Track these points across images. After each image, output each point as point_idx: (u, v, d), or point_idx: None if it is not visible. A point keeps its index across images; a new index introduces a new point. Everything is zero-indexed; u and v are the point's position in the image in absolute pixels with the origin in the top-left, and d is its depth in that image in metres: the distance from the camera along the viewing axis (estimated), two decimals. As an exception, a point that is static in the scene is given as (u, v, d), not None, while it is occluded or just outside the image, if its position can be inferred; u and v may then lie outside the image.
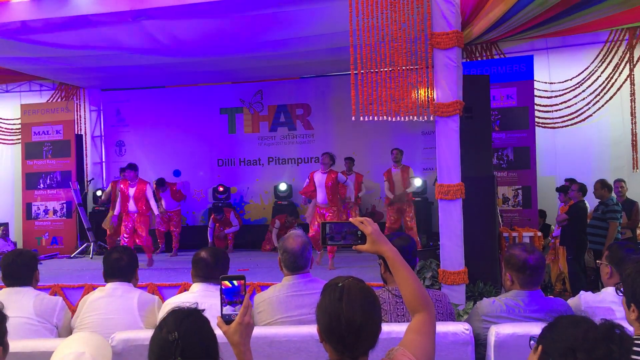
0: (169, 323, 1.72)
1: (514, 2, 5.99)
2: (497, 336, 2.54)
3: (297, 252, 2.92)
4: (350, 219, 1.93)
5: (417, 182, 9.38)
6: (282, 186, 10.55)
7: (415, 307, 1.90)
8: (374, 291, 1.80)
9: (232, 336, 1.79)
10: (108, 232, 8.96)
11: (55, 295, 6.12)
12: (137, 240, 8.13)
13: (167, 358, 1.65)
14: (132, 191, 8.11)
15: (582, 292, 3.03)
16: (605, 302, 2.82)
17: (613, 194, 7.20)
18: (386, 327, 2.39)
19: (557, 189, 8.27)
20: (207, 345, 1.73)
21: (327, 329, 1.70)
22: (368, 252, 1.93)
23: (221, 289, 1.83)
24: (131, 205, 8.12)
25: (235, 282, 1.84)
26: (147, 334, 2.70)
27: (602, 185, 7.18)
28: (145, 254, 8.12)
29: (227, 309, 1.82)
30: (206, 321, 1.78)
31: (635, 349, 1.92)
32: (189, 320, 1.74)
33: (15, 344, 2.69)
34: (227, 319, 1.81)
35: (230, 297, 1.83)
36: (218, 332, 1.80)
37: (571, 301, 3.02)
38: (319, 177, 7.69)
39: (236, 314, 1.81)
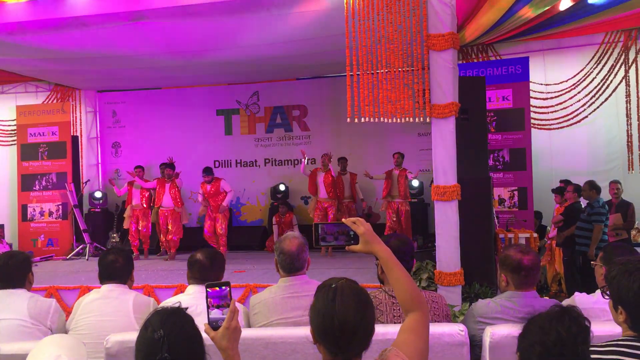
0: (154, 322, 1.71)
1: (504, 11, 6.05)
2: (492, 337, 2.54)
3: (293, 254, 2.91)
4: (343, 220, 1.94)
5: (415, 182, 9.49)
6: (281, 187, 10.55)
7: (408, 306, 1.90)
8: (368, 292, 1.80)
9: (220, 341, 1.79)
10: (130, 230, 9.37)
11: (50, 296, 6.14)
12: (168, 236, 9.01)
13: (154, 356, 1.65)
14: (167, 187, 9.04)
15: (576, 293, 3.04)
16: (599, 303, 2.82)
17: (601, 196, 7.20)
18: (382, 328, 2.40)
19: (553, 190, 8.29)
20: (193, 342, 1.73)
21: (320, 330, 1.70)
22: (361, 252, 1.94)
23: (207, 295, 1.84)
24: (166, 201, 8.99)
25: (223, 287, 1.85)
26: (142, 336, 2.70)
27: (590, 186, 7.18)
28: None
29: (214, 314, 1.83)
30: (190, 319, 1.78)
31: (623, 349, 1.93)
32: (173, 319, 1.74)
33: (9, 347, 2.69)
34: (214, 325, 1.81)
35: (217, 301, 1.84)
36: (205, 335, 1.80)
37: (565, 302, 3.02)
38: (320, 175, 8.98)
39: (223, 319, 1.81)
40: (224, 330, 1.79)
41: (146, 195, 9.38)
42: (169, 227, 9.02)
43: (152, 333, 1.68)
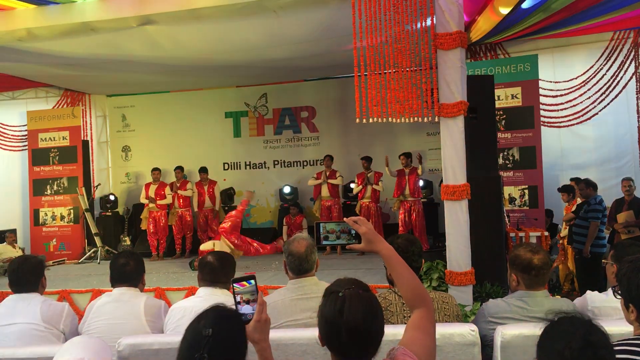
0: (209, 318, 1.72)
1: (505, 14, 6.07)
2: (503, 337, 2.53)
3: (302, 255, 2.91)
4: (345, 219, 1.95)
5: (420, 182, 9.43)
6: (286, 189, 10.57)
7: (413, 303, 1.91)
8: (377, 297, 1.79)
9: (253, 334, 1.81)
10: (149, 231, 9.65)
11: (63, 300, 6.18)
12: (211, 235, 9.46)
13: (196, 350, 1.65)
14: (206, 189, 9.72)
15: (588, 291, 3.01)
16: (611, 302, 2.80)
17: (598, 193, 7.17)
18: (392, 329, 2.39)
19: (559, 189, 8.21)
20: (236, 349, 1.74)
21: (328, 338, 1.70)
22: (363, 250, 1.94)
23: (234, 291, 1.87)
24: (206, 202, 9.78)
25: (252, 282, 1.89)
26: (153, 339, 2.71)
27: (586, 184, 7.15)
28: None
29: (244, 309, 1.86)
30: (243, 327, 1.79)
31: (635, 348, 1.91)
32: (227, 322, 1.74)
33: (21, 350, 2.71)
34: (244, 319, 1.84)
35: (246, 296, 1.88)
36: None
37: (577, 301, 3.00)
38: (324, 176, 9.40)
39: (252, 313, 1.84)
40: (255, 323, 1.82)
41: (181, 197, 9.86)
42: (211, 227, 9.62)
43: (203, 328, 1.68)
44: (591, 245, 6.92)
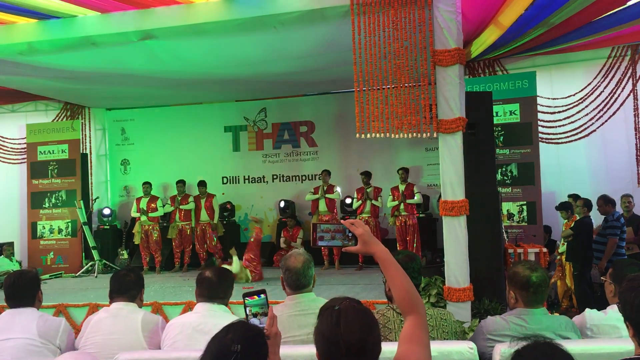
0: (237, 332, 1.69)
1: (505, 29, 6.12)
2: (502, 355, 2.51)
3: (299, 271, 2.90)
4: (341, 221, 1.96)
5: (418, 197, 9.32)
6: (281, 204, 10.57)
7: (406, 307, 1.90)
8: (373, 311, 1.80)
9: None
10: (141, 245, 9.66)
11: (59, 314, 6.16)
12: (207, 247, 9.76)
13: None
14: (203, 202, 9.67)
15: (587, 309, 3.00)
16: (610, 320, 2.79)
17: (617, 209, 7.15)
18: (390, 347, 2.38)
19: (557, 208, 8.19)
20: None
21: (325, 354, 1.69)
22: (359, 252, 1.95)
23: (245, 305, 1.89)
24: (203, 215, 9.73)
25: (262, 295, 1.91)
26: (150, 355, 2.70)
27: (605, 201, 7.14)
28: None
29: (254, 322, 1.87)
30: (267, 347, 1.77)
31: None
32: (255, 341, 1.72)
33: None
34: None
35: (256, 310, 1.90)
36: None
37: (576, 319, 2.99)
38: (321, 191, 9.43)
39: (263, 327, 1.84)
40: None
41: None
42: (208, 241, 9.70)
43: (231, 342, 1.66)
44: (608, 262, 6.88)
